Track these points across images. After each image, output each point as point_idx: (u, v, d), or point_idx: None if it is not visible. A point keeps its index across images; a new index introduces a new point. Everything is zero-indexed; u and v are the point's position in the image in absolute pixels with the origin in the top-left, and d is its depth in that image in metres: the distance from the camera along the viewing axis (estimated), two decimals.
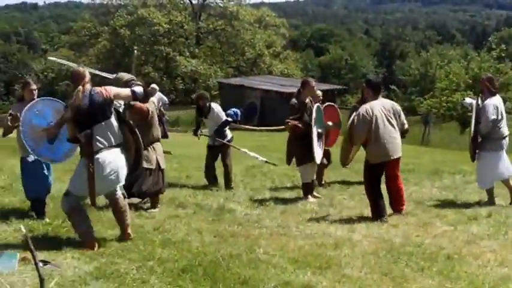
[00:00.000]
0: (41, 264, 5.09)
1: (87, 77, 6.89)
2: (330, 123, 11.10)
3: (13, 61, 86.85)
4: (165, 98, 10.73)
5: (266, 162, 11.63)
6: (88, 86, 6.83)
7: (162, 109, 10.41)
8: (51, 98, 8.58)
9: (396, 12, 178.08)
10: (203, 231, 8.01)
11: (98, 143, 6.78)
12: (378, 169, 8.94)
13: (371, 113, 8.68)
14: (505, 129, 9.87)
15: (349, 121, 8.98)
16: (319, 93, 11.28)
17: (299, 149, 10.36)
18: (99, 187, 6.84)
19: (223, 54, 55.49)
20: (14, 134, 8.08)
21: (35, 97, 8.12)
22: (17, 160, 14.14)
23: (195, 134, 12.06)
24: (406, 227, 8.40)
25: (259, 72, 50.54)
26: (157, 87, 8.17)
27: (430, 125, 28.31)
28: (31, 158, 8.05)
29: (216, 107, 11.63)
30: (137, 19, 49.53)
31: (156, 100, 9.57)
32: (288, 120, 10.28)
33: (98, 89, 6.86)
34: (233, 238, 7.67)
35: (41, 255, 5.94)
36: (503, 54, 42.69)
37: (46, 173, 8.40)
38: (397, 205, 9.12)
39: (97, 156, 6.77)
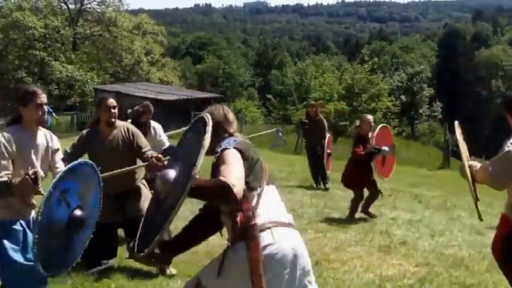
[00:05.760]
0: None
1: None
2: (386, 148, 9.89)
3: None
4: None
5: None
6: None
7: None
8: (86, 160, 4.76)
9: (274, 23, 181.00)
10: None
11: (266, 214, 3.50)
12: None
13: None
14: None
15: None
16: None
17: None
18: None
19: (100, 60, 54.61)
20: None
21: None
22: None
23: None
24: None
25: (137, 79, 50.03)
26: None
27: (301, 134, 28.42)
28: None
29: (156, 126, 8.28)
30: (11, 22, 47.87)
31: None
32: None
33: None
34: None
35: None
36: (375, 67, 44.58)
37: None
38: None
39: (264, 234, 3.43)
